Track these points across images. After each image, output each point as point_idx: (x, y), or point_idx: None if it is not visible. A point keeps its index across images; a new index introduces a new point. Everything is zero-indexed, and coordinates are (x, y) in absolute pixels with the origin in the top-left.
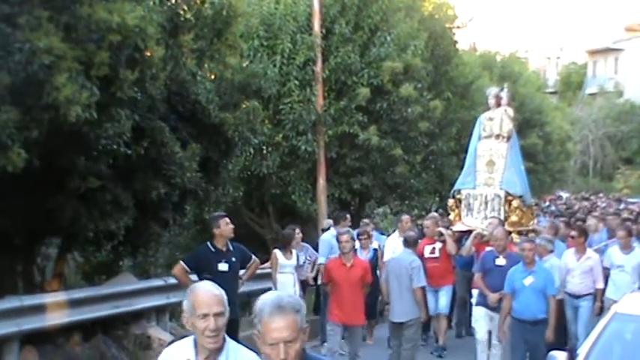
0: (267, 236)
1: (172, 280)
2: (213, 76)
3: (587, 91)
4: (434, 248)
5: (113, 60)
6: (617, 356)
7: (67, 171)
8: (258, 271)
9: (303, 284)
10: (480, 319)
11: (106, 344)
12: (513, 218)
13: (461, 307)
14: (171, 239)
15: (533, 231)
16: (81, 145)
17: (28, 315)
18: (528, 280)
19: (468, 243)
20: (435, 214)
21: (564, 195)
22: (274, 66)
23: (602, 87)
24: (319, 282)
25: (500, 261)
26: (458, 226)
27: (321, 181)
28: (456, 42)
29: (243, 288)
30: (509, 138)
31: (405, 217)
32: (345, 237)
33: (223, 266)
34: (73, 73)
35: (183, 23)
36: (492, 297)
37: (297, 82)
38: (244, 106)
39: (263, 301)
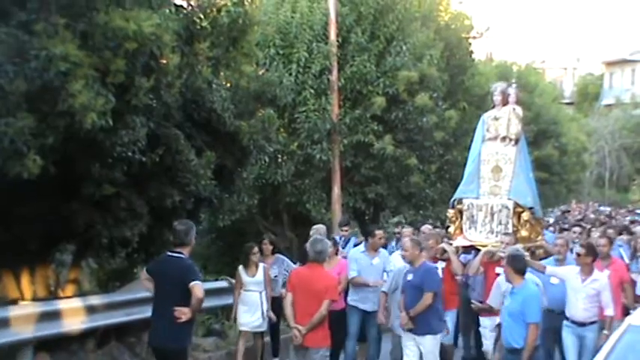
0: (281, 245)
1: None
2: (228, 84)
3: (603, 102)
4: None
5: (129, 67)
6: None
7: (82, 178)
8: (223, 286)
9: (274, 301)
10: (406, 344)
11: (119, 351)
12: (523, 233)
13: (466, 334)
14: None
15: (541, 247)
16: (96, 152)
17: (42, 321)
18: (506, 302)
19: (476, 261)
20: (427, 227)
21: (606, 209)
22: (290, 74)
23: (619, 98)
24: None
25: (409, 276)
26: (459, 241)
27: (336, 190)
28: (472, 52)
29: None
30: (517, 141)
31: (407, 230)
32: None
33: None
34: (89, 80)
35: (199, 31)
36: (402, 317)
37: (312, 91)
38: (259, 114)
39: None
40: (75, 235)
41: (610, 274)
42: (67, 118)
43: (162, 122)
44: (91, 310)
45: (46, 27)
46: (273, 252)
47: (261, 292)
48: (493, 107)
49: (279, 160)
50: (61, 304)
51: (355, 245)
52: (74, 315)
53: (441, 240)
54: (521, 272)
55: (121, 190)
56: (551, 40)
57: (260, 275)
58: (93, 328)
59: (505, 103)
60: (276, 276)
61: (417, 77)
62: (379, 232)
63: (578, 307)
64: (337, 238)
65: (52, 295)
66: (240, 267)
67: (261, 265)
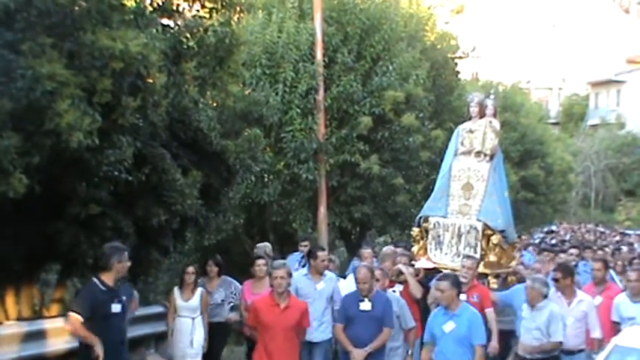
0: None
1: None
2: (215, 104)
3: (588, 122)
4: (393, 292)
5: (115, 87)
6: None
7: (68, 197)
8: (156, 311)
9: (218, 327)
10: None
11: None
12: (491, 258)
13: None
14: (171, 266)
15: (514, 274)
16: (82, 172)
17: (26, 341)
18: (449, 327)
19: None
20: (390, 248)
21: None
22: (276, 94)
23: (604, 119)
24: None
25: (365, 305)
26: (422, 263)
27: (322, 210)
28: (458, 72)
29: (137, 331)
30: (492, 157)
31: (367, 252)
32: (280, 272)
33: (116, 307)
34: (76, 99)
35: (186, 51)
36: (357, 354)
37: (298, 111)
38: (246, 133)
39: None
40: (60, 254)
41: (603, 301)
42: (53, 138)
43: (149, 141)
44: None
45: (32, 46)
46: (220, 274)
47: (194, 319)
48: (469, 119)
49: (266, 179)
50: (46, 324)
51: (303, 265)
52: (59, 335)
53: (407, 261)
54: (459, 294)
55: (106, 210)
56: (537, 60)
57: (195, 300)
58: (77, 348)
59: (482, 115)
60: (222, 300)
61: (403, 97)
62: (322, 254)
63: (567, 334)
64: (298, 254)
65: (37, 315)
66: (176, 288)
67: (198, 289)
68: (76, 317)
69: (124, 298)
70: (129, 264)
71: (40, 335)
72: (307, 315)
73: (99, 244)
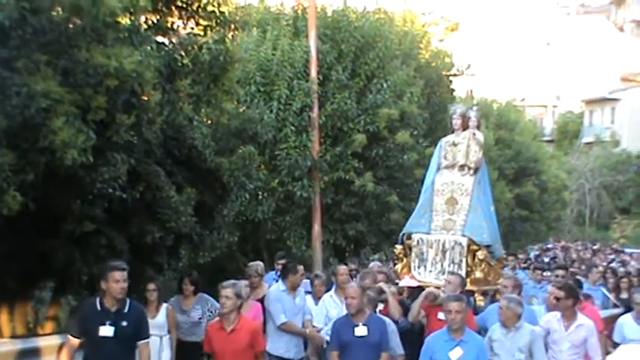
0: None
1: None
2: (209, 121)
3: (583, 140)
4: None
5: (110, 104)
6: None
7: (62, 214)
8: None
9: (194, 347)
10: None
11: None
12: (477, 274)
13: None
14: (165, 284)
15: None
16: (76, 189)
17: (20, 359)
18: (456, 354)
19: (416, 305)
20: (377, 264)
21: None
22: (271, 112)
23: (599, 136)
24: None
25: (361, 330)
26: (406, 281)
27: (317, 227)
28: (452, 90)
29: None
30: (476, 170)
31: (342, 268)
32: (226, 292)
33: (107, 330)
34: (70, 117)
35: (181, 68)
36: None
37: (293, 128)
38: (240, 151)
39: None
40: (54, 272)
41: None
42: (47, 155)
43: (143, 159)
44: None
45: (27, 64)
46: (196, 292)
47: (162, 337)
48: (452, 132)
49: (260, 197)
50: (40, 342)
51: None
52: (53, 352)
53: (385, 279)
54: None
55: (101, 227)
56: (531, 78)
57: (161, 317)
58: None
59: (465, 127)
60: (200, 318)
61: (398, 115)
62: (301, 268)
63: (561, 359)
64: (274, 273)
65: (31, 333)
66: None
67: (164, 305)
68: (70, 339)
69: (125, 323)
70: (123, 285)
71: (34, 353)
72: (260, 336)
73: (93, 262)
